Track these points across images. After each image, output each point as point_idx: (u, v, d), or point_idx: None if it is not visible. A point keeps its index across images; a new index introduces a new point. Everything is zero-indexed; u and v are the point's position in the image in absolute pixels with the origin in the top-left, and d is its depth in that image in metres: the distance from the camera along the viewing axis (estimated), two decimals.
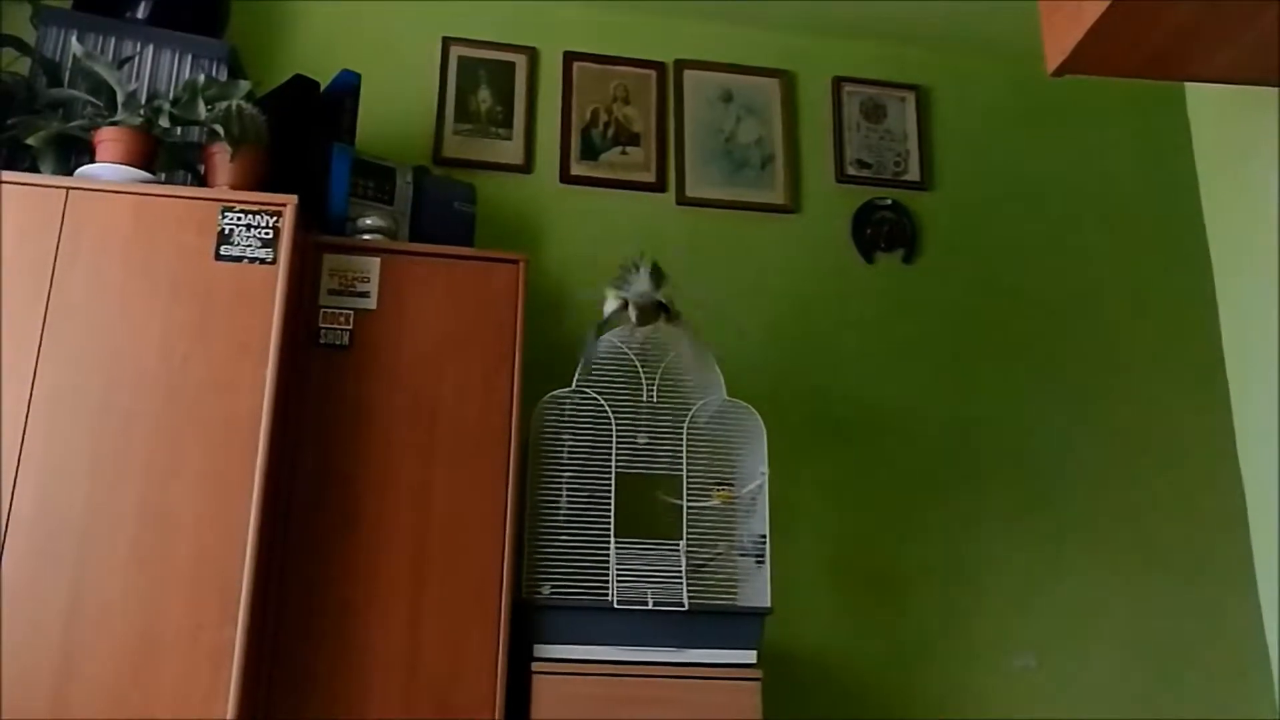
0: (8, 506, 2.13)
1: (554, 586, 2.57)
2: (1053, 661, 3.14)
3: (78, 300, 2.25)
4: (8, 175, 2.31)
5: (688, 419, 2.72)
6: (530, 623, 2.47)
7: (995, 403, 3.34)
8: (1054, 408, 3.37)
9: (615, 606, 2.49)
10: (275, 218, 2.37)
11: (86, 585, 2.13)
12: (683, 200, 3.33)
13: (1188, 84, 1.87)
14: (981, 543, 3.21)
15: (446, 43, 3.32)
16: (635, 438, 2.74)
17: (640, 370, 2.77)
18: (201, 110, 2.45)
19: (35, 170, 2.42)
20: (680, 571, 2.56)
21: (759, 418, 2.77)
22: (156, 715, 2.08)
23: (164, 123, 2.43)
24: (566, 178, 3.28)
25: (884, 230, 3.45)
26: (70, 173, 2.39)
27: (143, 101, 2.49)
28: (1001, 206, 3.54)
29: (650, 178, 3.32)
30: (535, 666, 2.41)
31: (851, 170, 3.47)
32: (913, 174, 3.51)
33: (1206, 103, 1.90)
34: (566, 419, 2.74)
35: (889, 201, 3.46)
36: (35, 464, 2.16)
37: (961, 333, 3.39)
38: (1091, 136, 3.67)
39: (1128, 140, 3.68)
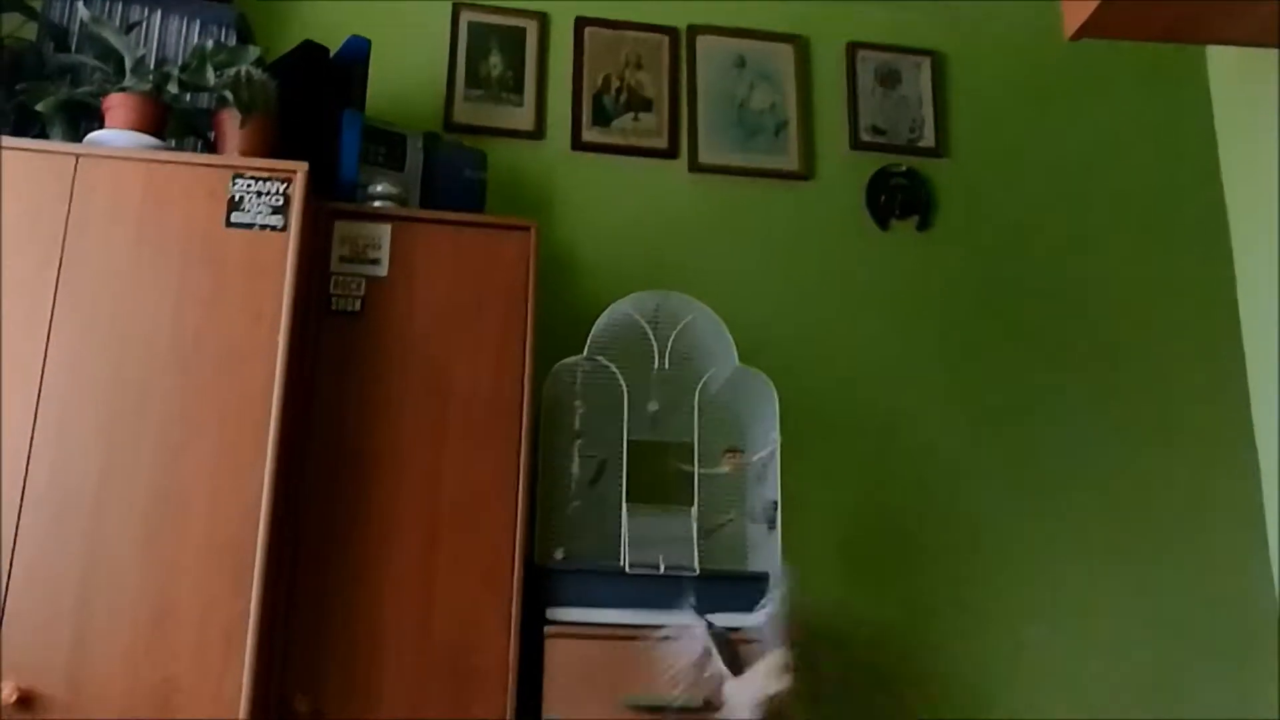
0: (22, 478, 2.14)
1: (566, 551, 2.59)
2: (1064, 633, 3.13)
3: (89, 267, 2.26)
4: (17, 142, 2.31)
5: (699, 386, 2.72)
6: (543, 586, 2.48)
7: (1008, 370, 3.32)
8: (1067, 377, 3.35)
9: (627, 571, 2.49)
10: (286, 184, 2.36)
11: (100, 557, 2.14)
12: (695, 167, 3.31)
13: (1209, 53, 1.85)
14: (994, 512, 3.20)
15: (457, 8, 3.30)
16: (646, 405, 2.74)
17: (652, 337, 2.76)
18: (210, 76, 2.45)
19: (45, 137, 2.42)
20: (691, 537, 2.57)
21: (771, 385, 2.76)
22: (173, 680, 2.10)
23: (173, 89, 2.42)
24: (578, 144, 3.26)
25: (898, 197, 3.42)
26: (80, 139, 2.39)
27: (151, 67, 2.48)
28: (1017, 174, 3.51)
29: (662, 144, 3.30)
30: (548, 629, 2.42)
31: (866, 137, 3.44)
32: (928, 141, 3.48)
33: (1229, 71, 1.88)
34: (578, 386, 2.74)
35: (904, 168, 3.43)
36: (49, 435, 2.17)
37: (975, 300, 3.37)
38: (1110, 105, 3.63)
39: (1148, 109, 3.63)
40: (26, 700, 2.04)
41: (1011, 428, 3.28)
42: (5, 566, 2.10)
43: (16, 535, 2.11)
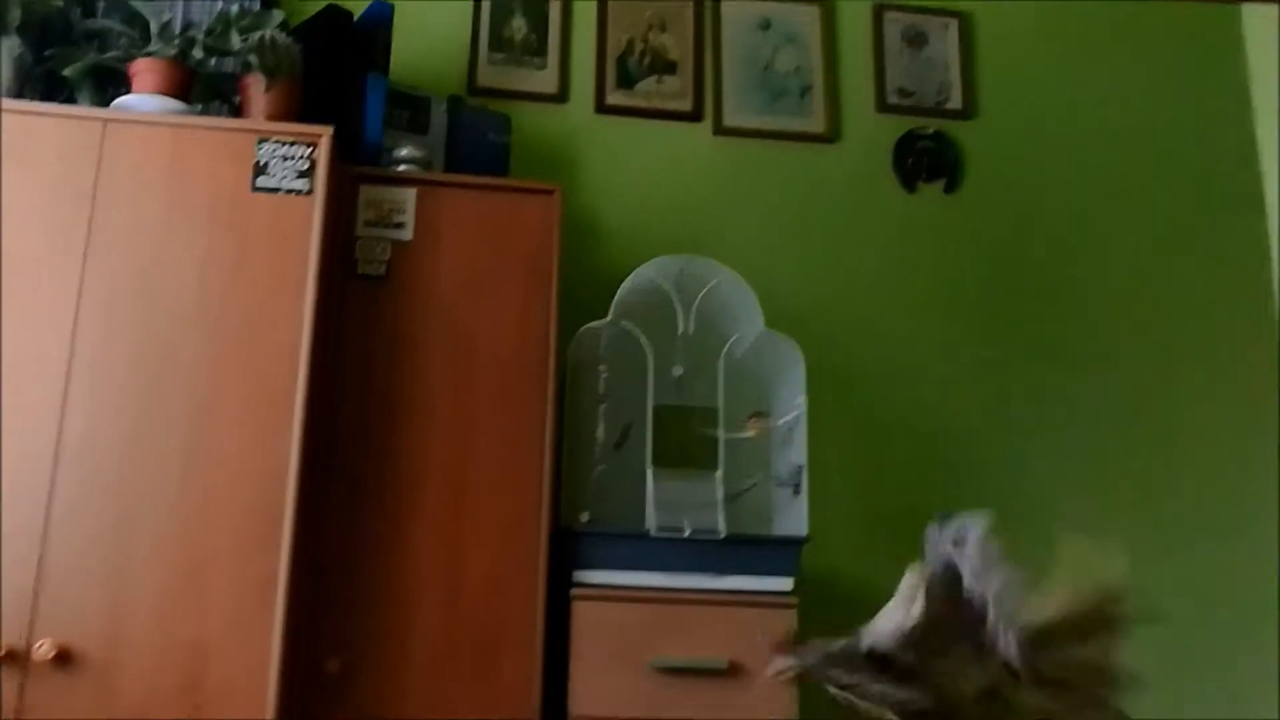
0: (56, 440, 2.17)
1: (592, 514, 2.60)
2: None
3: (117, 231, 2.27)
4: (46, 107, 2.33)
5: (724, 350, 2.72)
6: (569, 549, 2.49)
7: (1037, 334, 3.30)
8: (1094, 341, 3.33)
9: (652, 534, 2.51)
10: (311, 149, 2.37)
11: (134, 513, 2.17)
12: (720, 130, 3.29)
13: (1244, 11, 1.81)
14: (1021, 475, 3.19)
15: None
16: (671, 369, 2.74)
17: (677, 301, 2.76)
18: (235, 41, 2.45)
19: (72, 102, 2.44)
20: (717, 501, 2.57)
21: (798, 349, 2.76)
22: (206, 638, 2.13)
23: (198, 54, 2.43)
24: (602, 107, 3.25)
25: (925, 160, 3.40)
26: (107, 104, 2.41)
27: (177, 32, 2.49)
28: (1046, 136, 3.48)
29: (687, 107, 3.29)
30: (575, 592, 2.44)
31: (893, 99, 3.41)
32: (955, 103, 3.44)
33: (1264, 30, 1.85)
34: (602, 350, 2.75)
35: (931, 131, 3.40)
36: (81, 396, 2.20)
37: (1003, 263, 3.35)
38: (1141, 65, 3.58)
39: (1180, 68, 3.58)
40: (64, 657, 2.08)
41: (1040, 391, 3.26)
42: (41, 526, 2.13)
43: (51, 496, 2.15)
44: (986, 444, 3.21)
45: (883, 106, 3.41)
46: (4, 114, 2.28)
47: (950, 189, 3.39)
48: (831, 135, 3.35)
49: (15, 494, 2.13)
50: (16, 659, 2.06)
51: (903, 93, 3.43)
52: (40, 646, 2.06)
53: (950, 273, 3.32)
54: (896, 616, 1.55)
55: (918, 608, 1.52)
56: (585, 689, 2.38)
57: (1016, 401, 3.24)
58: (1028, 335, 3.30)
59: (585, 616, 2.43)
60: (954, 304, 3.29)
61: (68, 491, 2.15)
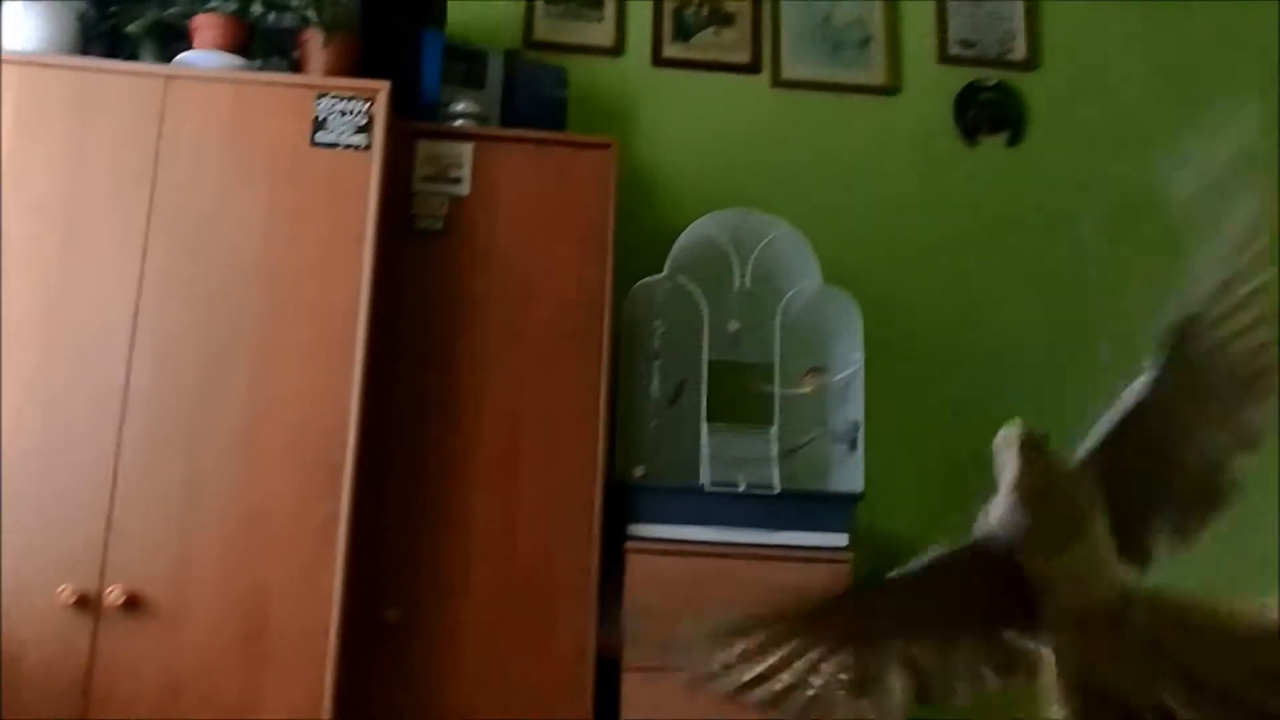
0: (124, 391, 2.22)
1: (646, 469, 2.61)
2: None
3: (180, 187, 2.31)
4: (110, 64, 2.37)
5: (780, 306, 2.70)
6: (624, 503, 2.51)
7: (1100, 290, 3.24)
8: (1160, 297, 3.26)
9: (707, 489, 2.51)
10: (369, 104, 2.38)
11: (198, 463, 2.22)
12: (778, 82, 3.25)
13: None
14: (1078, 435, 3.15)
15: None
16: (727, 325, 2.73)
17: (733, 256, 2.75)
18: None
19: (135, 59, 2.47)
20: (772, 456, 2.57)
21: (855, 304, 2.74)
22: (268, 586, 2.19)
23: (257, 9, 2.45)
24: (659, 60, 3.22)
25: (988, 112, 3.33)
26: (169, 61, 2.43)
27: None
28: (1112, 86, 3.39)
29: (745, 59, 3.25)
30: (629, 545, 2.46)
31: (955, 50, 3.35)
32: (1019, 53, 3.37)
33: None
34: (658, 306, 2.75)
35: (993, 82, 3.34)
36: (147, 349, 2.25)
37: (1066, 218, 3.28)
38: (1210, 11, 3.47)
39: (1249, 13, 3.47)
40: (133, 603, 2.14)
41: (1118, 346, 3.19)
42: (110, 476, 2.18)
43: (119, 446, 2.20)
44: (1047, 401, 3.16)
45: (944, 57, 3.35)
46: (69, 72, 2.32)
47: (1013, 142, 3.32)
48: (891, 87, 3.30)
49: (85, 444, 2.19)
50: (89, 604, 2.13)
51: (965, 43, 3.36)
52: (111, 592, 2.13)
53: (1012, 227, 3.26)
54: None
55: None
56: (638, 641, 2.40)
57: (1079, 360, 3.19)
58: (1092, 293, 3.24)
59: (639, 569, 2.45)
60: (1016, 259, 3.24)
61: (135, 442, 2.21)
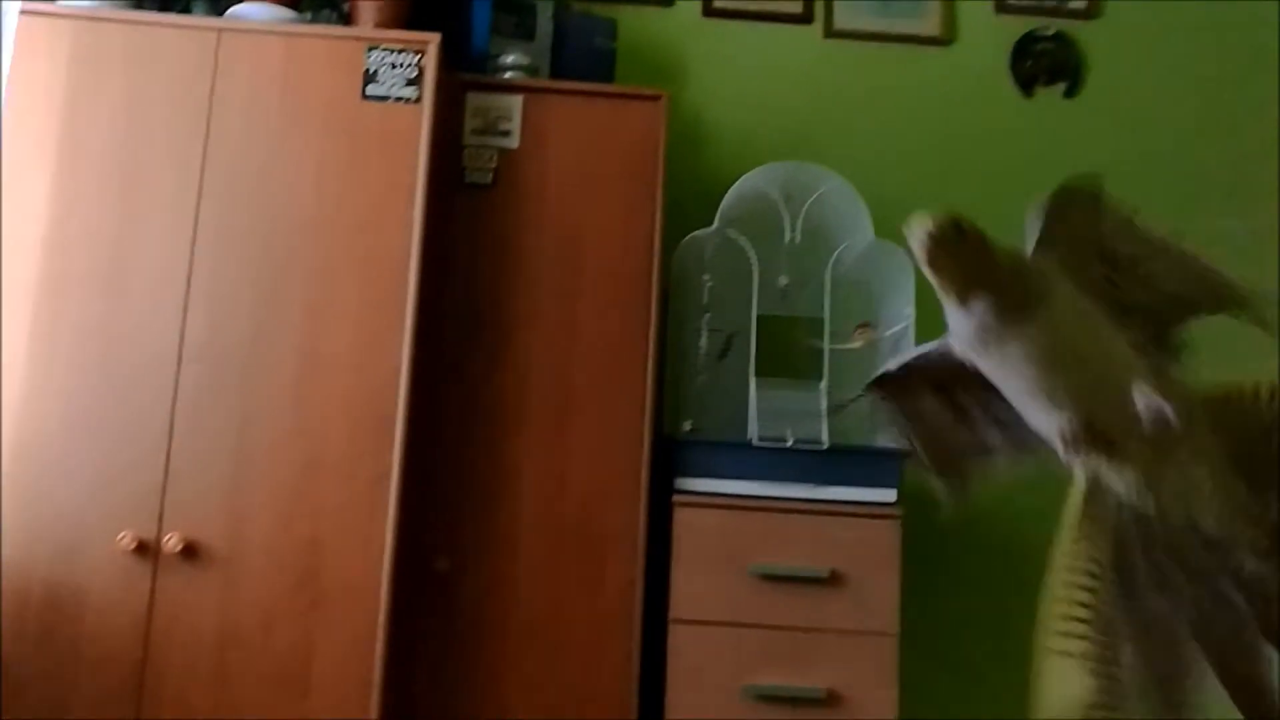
0: (179, 340, 2.26)
1: (695, 423, 2.62)
2: None
3: (233, 141, 2.33)
4: (163, 18, 2.38)
5: (831, 260, 2.68)
6: (672, 457, 2.52)
7: None
8: (1227, 259, 3.18)
9: (755, 443, 2.52)
10: (419, 56, 2.38)
11: (252, 413, 2.26)
12: (831, 33, 3.20)
13: None
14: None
15: None
16: (777, 279, 2.72)
17: (784, 210, 2.73)
18: None
19: (188, 12, 2.49)
20: (820, 411, 2.56)
21: (908, 259, 2.70)
22: (321, 535, 2.22)
23: None
24: (709, 10, 3.18)
25: (1045, 62, 3.26)
26: (221, 14, 2.44)
27: None
28: (1172, 36, 3.30)
29: (797, 9, 3.20)
30: (676, 498, 2.47)
31: None
32: (1078, 1, 3.29)
33: None
34: (707, 259, 2.73)
35: (1051, 31, 3.26)
36: (202, 300, 2.28)
37: (1125, 171, 3.20)
38: None
39: None
40: (191, 550, 2.19)
41: None
42: (167, 425, 2.23)
43: (175, 396, 2.24)
44: None
45: (1001, 6, 3.28)
46: (124, 26, 2.34)
47: (1070, 93, 3.25)
48: (946, 37, 3.24)
49: (142, 393, 2.24)
50: (148, 550, 2.18)
51: None
52: (169, 539, 2.18)
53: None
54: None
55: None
56: (685, 593, 2.42)
57: None
58: None
59: (686, 523, 2.46)
60: None
61: (190, 393, 2.25)
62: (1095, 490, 1.41)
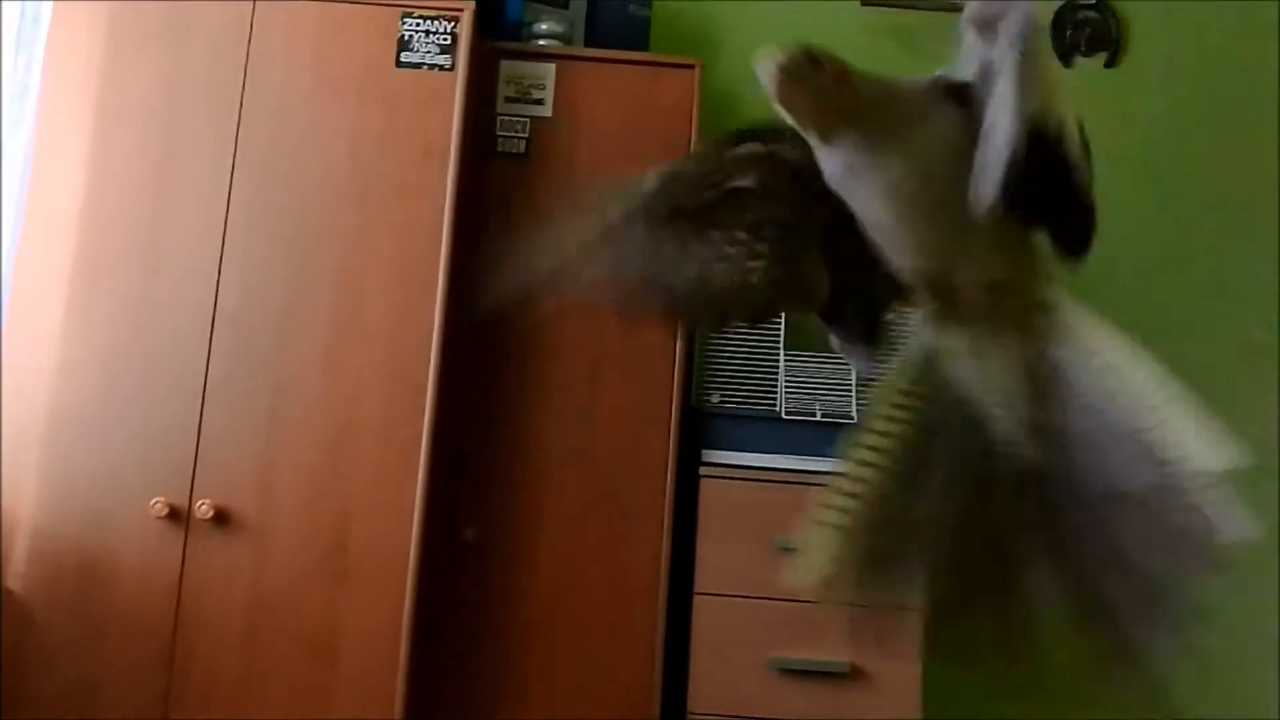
0: (213, 306, 2.27)
1: (723, 395, 2.61)
2: None
3: (268, 109, 2.33)
4: None
5: None
6: (700, 429, 2.52)
7: (1203, 219, 3.13)
8: (1264, 233, 3.13)
9: (783, 416, 2.51)
10: (453, 23, 2.37)
11: (284, 381, 2.27)
12: (868, 1, 3.16)
13: None
14: (1188, 366, 3.07)
15: None
16: None
17: None
18: None
19: None
20: (850, 384, 2.56)
21: None
22: (351, 504, 2.25)
23: None
24: None
25: (1085, 31, 3.21)
26: None
27: None
28: (1219, 7, 3.24)
29: None
30: (703, 470, 2.48)
31: None
32: None
33: None
34: None
35: (1092, 0, 3.21)
36: (236, 265, 2.30)
37: (1167, 144, 3.17)
38: None
39: None
40: (222, 517, 2.21)
41: (1208, 279, 3.10)
42: (200, 391, 2.25)
43: (209, 363, 2.26)
44: (1154, 333, 3.08)
45: None
46: None
47: (1111, 63, 3.20)
48: None
49: (176, 361, 2.26)
50: (179, 516, 2.20)
51: None
52: (200, 506, 2.20)
53: (1110, 154, 3.13)
54: None
55: None
56: (711, 565, 2.43)
57: (1177, 295, 3.10)
58: (1192, 222, 3.13)
59: (713, 496, 2.46)
60: (1114, 187, 3.13)
61: (223, 360, 2.26)
62: (925, 361, 1.28)
